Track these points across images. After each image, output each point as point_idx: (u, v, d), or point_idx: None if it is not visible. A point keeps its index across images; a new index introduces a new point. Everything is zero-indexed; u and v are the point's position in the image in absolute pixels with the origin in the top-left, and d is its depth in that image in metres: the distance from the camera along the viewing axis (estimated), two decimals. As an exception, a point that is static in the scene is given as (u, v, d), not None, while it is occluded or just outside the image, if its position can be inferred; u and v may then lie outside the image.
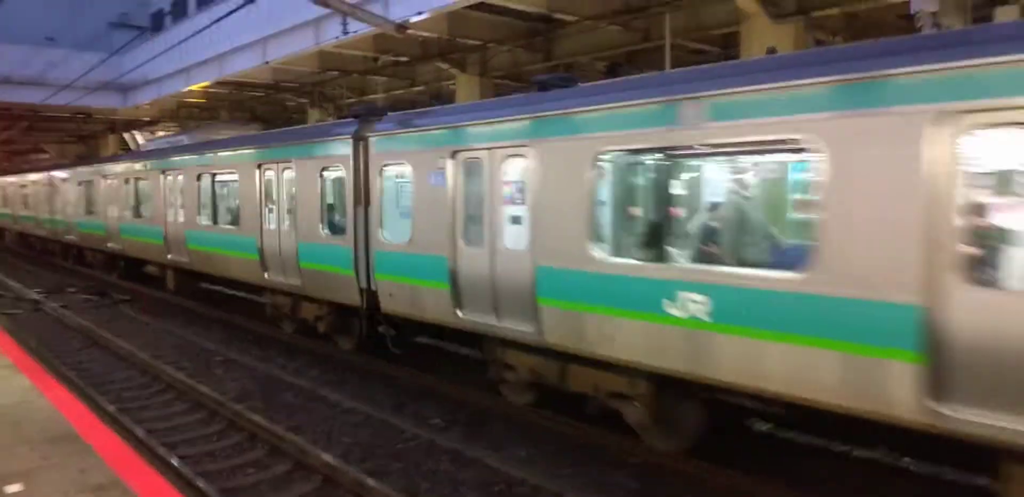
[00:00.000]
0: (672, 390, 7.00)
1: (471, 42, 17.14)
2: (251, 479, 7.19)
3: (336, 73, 21.87)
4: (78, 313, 16.14)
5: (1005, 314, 4.52)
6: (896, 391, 4.97)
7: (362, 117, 10.66)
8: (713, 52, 16.49)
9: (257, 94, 26.85)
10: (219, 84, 24.78)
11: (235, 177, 13.49)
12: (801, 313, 5.44)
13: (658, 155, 7.34)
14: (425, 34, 16.50)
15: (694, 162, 7.31)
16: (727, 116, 5.90)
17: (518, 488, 6.83)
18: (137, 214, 18.10)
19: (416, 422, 8.68)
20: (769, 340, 5.63)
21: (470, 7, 14.69)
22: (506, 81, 20.03)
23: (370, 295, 10.22)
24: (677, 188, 7.24)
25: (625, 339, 6.78)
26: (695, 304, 6.08)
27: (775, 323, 5.61)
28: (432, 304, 9.06)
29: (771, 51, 8.27)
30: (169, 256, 16.35)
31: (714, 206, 7.29)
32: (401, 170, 9.70)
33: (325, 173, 10.94)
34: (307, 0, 11.92)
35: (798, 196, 6.58)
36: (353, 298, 10.50)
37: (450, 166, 8.63)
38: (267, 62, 20.34)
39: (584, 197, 7.07)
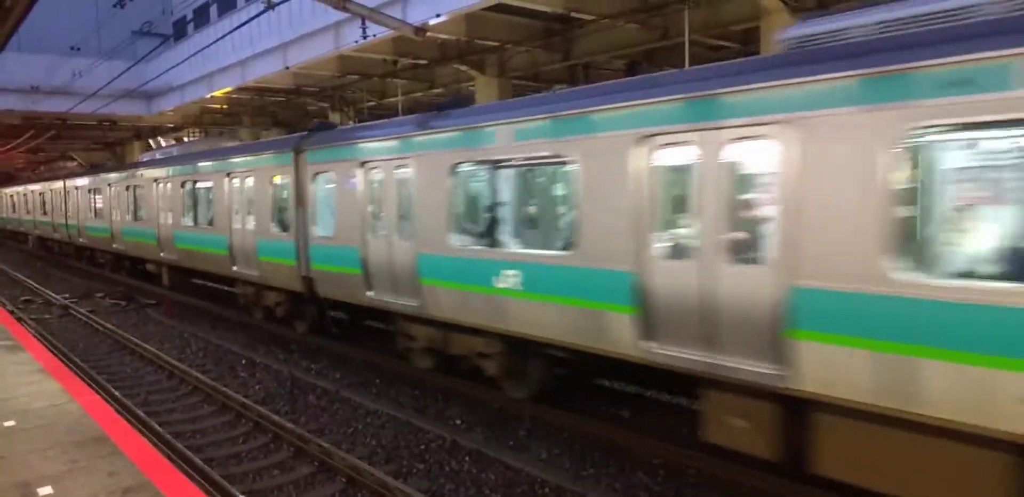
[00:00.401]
0: (518, 348, 8.79)
1: (489, 43, 17.17)
2: (276, 481, 7.26)
3: (356, 77, 22.01)
4: (106, 318, 16.40)
5: (680, 278, 6.45)
6: (622, 334, 6.95)
7: (311, 131, 12.57)
8: (733, 48, 16.38)
9: (278, 99, 27.09)
10: (241, 90, 25.04)
11: (211, 185, 15.32)
12: (568, 280, 7.53)
13: (488, 166, 8.76)
14: (443, 36, 16.56)
15: (509, 172, 8.70)
16: (524, 137, 7.95)
17: (540, 489, 6.83)
18: (136, 217, 19.90)
19: (439, 423, 8.71)
20: (552, 301, 7.74)
21: (488, 8, 14.71)
22: (525, 81, 20.05)
23: (309, 282, 12.03)
24: (499, 192, 8.77)
25: (474, 308, 8.72)
26: (511, 278, 8.15)
27: (555, 288, 7.70)
28: (351, 287, 10.93)
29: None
30: (162, 254, 18.28)
31: (521, 205, 8.98)
32: (328, 177, 11.49)
33: (275, 180, 12.87)
34: (326, 5, 12.02)
35: (567, 197, 8.15)
36: (297, 285, 12.35)
37: (359, 174, 10.58)
38: (288, 67, 20.52)
39: (445, 198, 9.03)
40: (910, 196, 5.27)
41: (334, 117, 25.67)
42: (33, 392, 7.50)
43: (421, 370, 10.56)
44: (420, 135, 9.41)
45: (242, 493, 6.70)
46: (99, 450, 5.79)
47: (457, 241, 8.92)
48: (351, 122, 24.17)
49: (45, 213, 31.02)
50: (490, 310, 8.46)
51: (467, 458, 7.62)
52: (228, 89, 24.80)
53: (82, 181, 25.30)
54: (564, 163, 7.58)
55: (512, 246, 8.58)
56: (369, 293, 10.49)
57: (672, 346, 6.56)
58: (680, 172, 6.53)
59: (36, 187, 33.18)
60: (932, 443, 5.10)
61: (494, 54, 18.29)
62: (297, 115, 30.44)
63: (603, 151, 7.05)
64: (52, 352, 10.35)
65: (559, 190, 8.50)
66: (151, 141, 36.80)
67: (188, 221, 16.54)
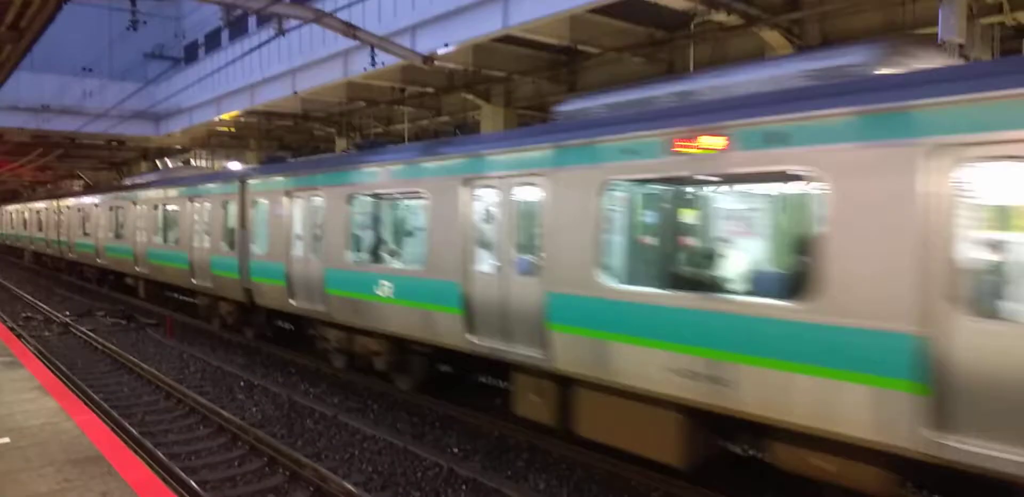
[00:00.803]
0: (402, 348, 10.65)
1: (496, 73, 17.37)
2: (271, 505, 7.18)
3: (363, 103, 22.23)
4: (106, 337, 16.35)
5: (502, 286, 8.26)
6: (453, 329, 8.81)
7: (262, 164, 15.13)
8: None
9: (286, 123, 27.32)
10: (249, 113, 25.27)
11: (177, 208, 17.71)
12: (422, 289, 9.41)
13: (374, 197, 11.21)
14: (451, 65, 16.76)
15: (385, 202, 11.46)
16: (397, 176, 10.03)
17: (538, 519, 6.75)
18: (117, 236, 22.23)
19: (436, 451, 8.63)
20: (411, 306, 9.62)
21: (496, 40, 14.93)
22: (530, 111, 20.24)
23: (249, 292, 14.00)
24: (379, 217, 11.48)
25: (364, 312, 10.55)
26: (386, 287, 10.03)
27: (413, 295, 9.60)
28: (279, 297, 12.87)
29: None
30: (137, 269, 20.49)
31: (391, 229, 11.68)
32: (264, 204, 13.49)
33: (226, 205, 14.97)
34: (337, 33, 12.22)
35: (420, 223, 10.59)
36: (240, 295, 14.43)
37: (285, 202, 12.68)
38: (296, 92, 20.74)
39: (343, 223, 11.08)
40: (608, 227, 7.35)
41: (340, 142, 25.86)
42: (29, 409, 7.45)
43: (422, 397, 10.52)
44: (328, 171, 11.64)
45: (235, 517, 6.62)
46: (94, 470, 5.74)
47: (351, 258, 11.03)
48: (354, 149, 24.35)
49: (40, 230, 33.46)
50: (374, 314, 10.35)
51: (464, 487, 7.54)
52: (236, 112, 25.02)
53: (72, 202, 27.75)
54: (420, 198, 9.68)
55: (387, 262, 11.03)
56: (292, 301, 12.50)
57: (486, 338, 8.46)
58: (486, 207, 8.78)
59: (33, 206, 35.70)
60: (637, 406, 7.10)
61: (500, 84, 18.51)
62: (304, 139, 30.67)
63: (441, 189, 9.07)
64: (50, 370, 10.29)
65: (416, 218, 11.33)
66: (158, 162, 37.05)
67: (159, 239, 18.77)
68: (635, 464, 7.64)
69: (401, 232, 11.84)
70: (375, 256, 11.23)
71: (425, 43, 15.26)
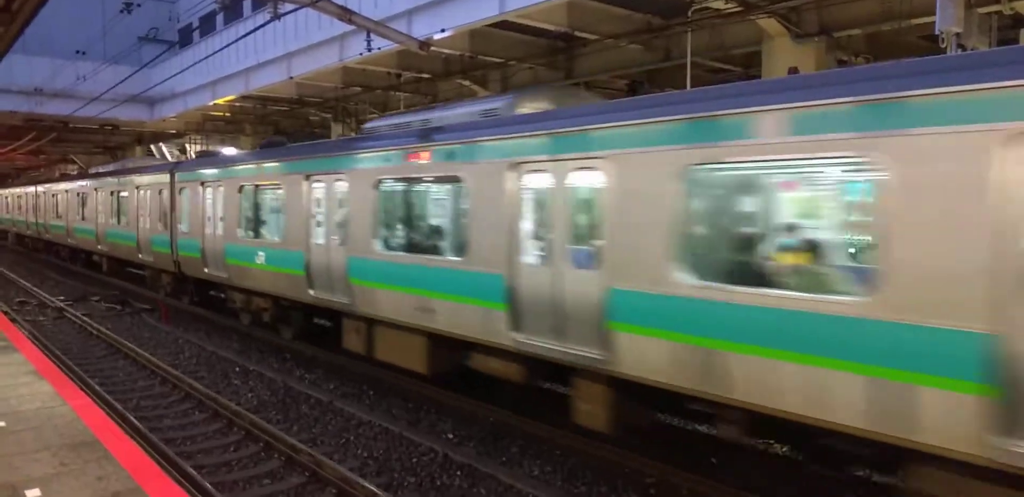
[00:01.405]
0: (282, 305, 13.42)
1: (492, 59, 17.27)
2: (266, 490, 7.23)
3: (359, 89, 22.10)
4: (101, 321, 16.34)
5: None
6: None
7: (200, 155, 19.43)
8: (735, 71, 16.52)
9: (281, 108, 27.16)
10: (244, 98, 25.10)
11: (127, 194, 20.84)
12: (288, 258, 12.09)
13: (252, 186, 13.77)
14: (447, 51, 16.67)
15: (250, 191, 13.98)
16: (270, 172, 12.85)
17: (532, 505, 6.80)
18: (83, 218, 25.37)
19: (431, 436, 8.68)
20: (279, 271, 12.43)
21: (492, 25, 14.83)
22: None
23: (178, 264, 17.04)
24: (262, 203, 13.95)
25: (251, 276, 13.56)
26: (260, 257, 12.87)
27: (289, 264, 12.14)
28: (197, 266, 15.84)
29: (793, 71, 8.28)
30: (99, 247, 23.60)
31: (257, 209, 14.06)
32: (187, 191, 16.43)
33: (161, 192, 17.99)
34: (332, 17, 12.12)
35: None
36: (171, 267, 17.46)
37: (201, 189, 15.54)
38: (292, 77, 20.59)
39: (236, 207, 14.04)
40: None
41: (336, 128, 25.73)
42: (24, 394, 7.46)
43: (413, 383, 10.57)
44: (226, 166, 14.66)
45: (231, 502, 6.66)
46: (89, 454, 5.76)
47: (241, 234, 13.86)
48: (352, 133, 24.27)
49: (22, 213, 36.83)
50: (259, 277, 13.30)
51: (459, 472, 7.59)
52: (231, 97, 24.85)
53: (47, 188, 31.35)
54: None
55: (263, 236, 13.57)
56: (206, 269, 15.40)
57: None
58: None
59: (15, 191, 39.17)
60: (403, 334, 9.88)
61: (497, 70, 18.41)
62: (299, 124, 30.51)
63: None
64: (45, 354, 10.29)
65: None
66: (152, 147, 36.83)
67: (114, 221, 21.85)
68: (630, 451, 7.70)
69: (263, 212, 14.19)
70: (256, 232, 13.88)
71: (421, 28, 15.15)
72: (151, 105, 29.88)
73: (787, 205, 7.18)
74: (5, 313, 15.53)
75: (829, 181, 6.92)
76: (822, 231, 6.86)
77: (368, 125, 11.67)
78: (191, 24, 32.66)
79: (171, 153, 35.98)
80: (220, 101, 25.55)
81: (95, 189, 23.77)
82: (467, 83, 19.06)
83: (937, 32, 8.81)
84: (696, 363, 6.06)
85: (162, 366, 11.82)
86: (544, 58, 17.12)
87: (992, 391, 4.44)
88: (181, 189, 16.65)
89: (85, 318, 16.46)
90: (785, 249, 6.55)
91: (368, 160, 10.26)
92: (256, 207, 14.00)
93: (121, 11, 16.83)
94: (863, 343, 5.05)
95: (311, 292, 11.46)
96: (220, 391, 10.69)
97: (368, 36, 13.03)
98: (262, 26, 13.14)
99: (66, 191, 27.56)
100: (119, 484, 5.15)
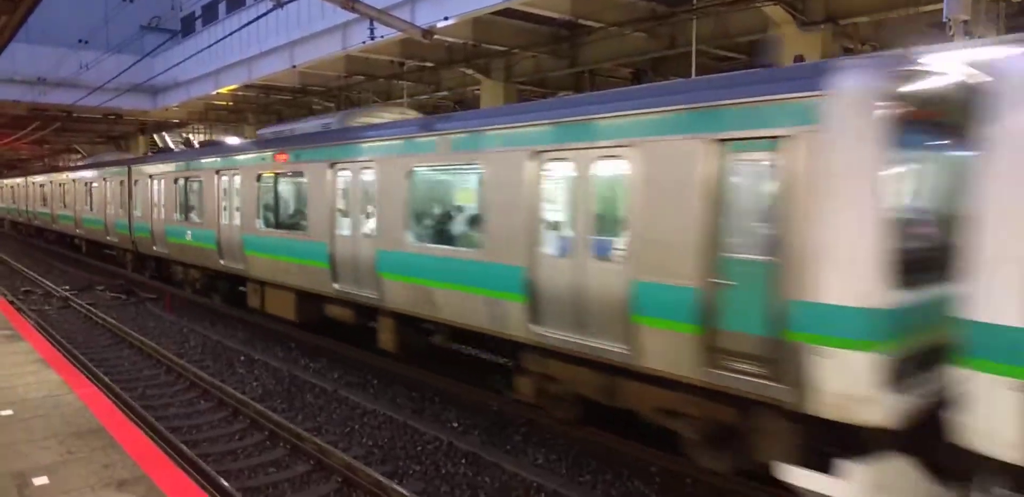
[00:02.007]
0: (213, 276, 15.99)
1: (496, 48, 17.21)
2: (272, 478, 7.26)
3: (362, 77, 22.05)
4: (106, 311, 16.40)
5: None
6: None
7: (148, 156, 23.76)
8: (740, 59, 16.42)
9: (284, 97, 27.13)
10: (247, 87, 25.08)
11: (97, 185, 23.68)
12: (205, 236, 15.07)
13: (190, 179, 16.18)
14: (451, 40, 16.61)
15: (182, 182, 16.76)
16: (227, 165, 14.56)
17: (536, 494, 6.84)
18: (64, 206, 28.15)
19: (436, 425, 8.71)
20: (200, 247, 15.41)
21: (496, 13, 14.76)
22: (530, 87, 20.08)
23: (135, 243, 20.09)
24: (191, 193, 16.48)
25: (189, 253, 16.32)
26: (189, 235, 15.93)
27: (205, 241, 15.01)
28: (148, 245, 18.87)
29: (798, 59, 8.22)
30: (78, 231, 26.72)
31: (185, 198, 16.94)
32: (140, 183, 19.48)
33: (122, 184, 20.88)
34: (335, 5, 12.07)
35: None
36: (130, 246, 20.60)
37: (152, 182, 18.48)
38: (294, 66, 20.55)
39: (174, 196, 17.09)
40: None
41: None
42: (31, 382, 7.50)
43: (417, 372, 10.60)
44: (164, 163, 18.11)
45: (237, 490, 6.70)
46: (95, 442, 5.79)
47: (176, 218, 16.91)
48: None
49: (14, 202, 40.54)
50: (189, 252, 16.35)
51: (463, 461, 7.63)
52: (234, 86, 24.84)
53: (36, 179, 34.15)
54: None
55: (190, 219, 16.16)
56: (155, 248, 18.47)
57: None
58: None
59: (8, 182, 43.01)
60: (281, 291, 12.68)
61: (501, 58, 18.33)
62: (302, 114, 30.43)
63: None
64: (51, 343, 10.34)
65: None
66: (155, 136, 36.82)
67: (88, 208, 24.81)
68: (633, 439, 7.72)
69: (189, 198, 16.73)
70: (185, 216, 16.55)
71: (424, 16, 15.08)
72: (154, 94, 29.86)
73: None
74: (11, 302, 15.58)
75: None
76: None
77: (263, 131, 14.86)
78: (193, 13, 32.55)
79: (175, 143, 35.99)
80: (223, 90, 25.54)
81: (73, 181, 26.83)
82: (470, 72, 19.00)
83: (945, 20, 8.74)
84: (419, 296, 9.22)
85: (167, 355, 11.86)
86: (548, 46, 17.05)
87: (525, 299, 7.62)
88: (136, 181, 19.82)
89: (90, 307, 16.52)
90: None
91: (249, 160, 13.57)
92: (186, 196, 16.63)
93: (123, 0, 16.78)
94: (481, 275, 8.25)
95: (221, 261, 14.61)
96: (225, 380, 10.73)
97: (371, 24, 12.99)
98: (264, 14, 13.10)
99: (51, 182, 30.53)
100: (126, 472, 5.18)
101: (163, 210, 17.66)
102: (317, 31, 19.12)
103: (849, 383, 5.14)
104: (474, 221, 9.06)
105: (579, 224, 7.19)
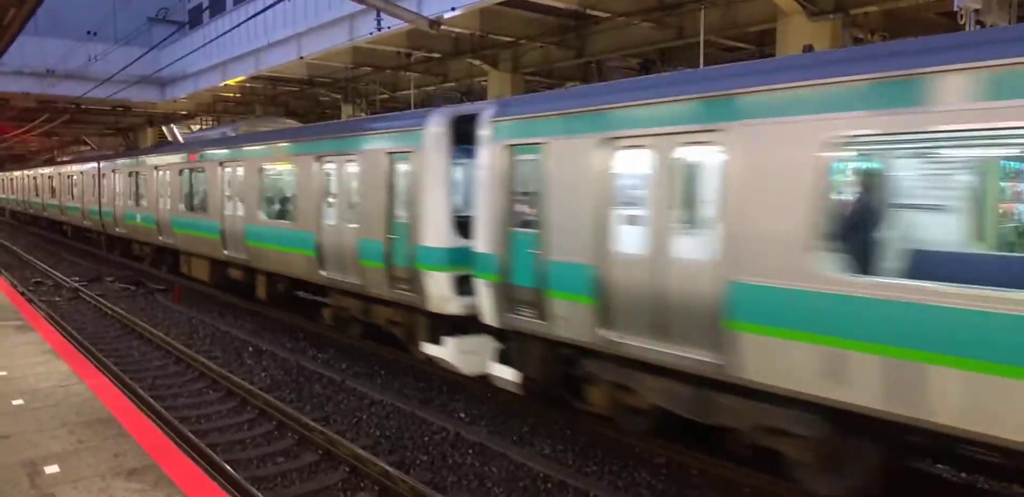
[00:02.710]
0: (167, 254, 19.67)
1: (503, 38, 17.12)
2: (281, 468, 7.31)
3: (369, 69, 21.99)
4: (115, 302, 16.50)
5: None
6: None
7: (117, 153, 27.65)
8: (748, 50, 16.31)
9: (291, 89, 27.09)
10: (254, 79, 25.05)
11: (76, 178, 28.15)
12: (148, 218, 19.70)
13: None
14: (458, 30, 16.54)
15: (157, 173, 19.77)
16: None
17: (543, 484, 6.86)
18: (52, 195, 32.63)
19: (443, 416, 8.74)
20: (148, 227, 19.78)
21: (503, 3, 14.69)
22: (538, 77, 20.00)
23: (103, 225, 24.46)
24: (141, 184, 20.89)
25: (139, 232, 20.86)
26: (137, 217, 20.75)
27: (149, 222, 19.55)
28: (113, 227, 23.02)
29: (807, 49, 8.14)
30: (62, 217, 31.21)
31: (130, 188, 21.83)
32: (109, 176, 23.50)
33: (94, 177, 25.32)
34: (342, -4, 12.03)
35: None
36: (100, 228, 25.04)
37: (112, 175, 22.95)
38: (301, 57, 20.51)
39: (130, 187, 21.24)
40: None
41: (346, 109, 25.68)
42: (41, 372, 7.56)
43: (423, 362, 10.63)
44: (122, 159, 22.55)
45: (246, 479, 6.75)
46: (106, 431, 5.83)
47: (132, 204, 20.84)
48: (362, 114, 24.20)
49: (13, 193, 45.20)
50: (142, 232, 20.38)
51: (470, 451, 7.66)
52: (241, 78, 24.80)
53: (30, 172, 39.18)
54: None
55: (140, 205, 20.50)
56: (117, 229, 22.67)
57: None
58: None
59: (6, 175, 48.52)
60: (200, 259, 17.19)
61: (508, 49, 18.25)
62: (310, 105, 30.45)
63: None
64: (61, 334, 10.40)
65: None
66: (164, 128, 36.87)
67: (70, 197, 29.20)
68: (639, 432, 7.72)
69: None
70: (136, 203, 20.97)
71: (431, 7, 15.01)
72: (162, 86, 29.87)
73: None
74: (22, 293, 15.70)
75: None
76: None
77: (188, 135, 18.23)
78: (201, 4, 32.59)
79: (183, 135, 36.05)
80: (230, 82, 25.50)
81: (58, 174, 31.75)
82: (477, 63, 18.93)
83: (956, 8, 8.64)
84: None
85: (176, 346, 11.93)
86: (555, 37, 16.95)
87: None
88: (104, 175, 24.24)
89: (100, 298, 16.62)
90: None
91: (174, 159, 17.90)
92: (138, 186, 20.63)
93: (131, -9, 16.81)
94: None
95: (160, 238, 18.75)
96: (234, 370, 10.78)
97: (378, 15, 12.97)
98: (272, 6, 13.12)
99: (41, 175, 35.49)
100: (136, 461, 5.22)
101: (123, 199, 22.04)
102: (324, 22, 19.06)
103: (440, 290, 8.93)
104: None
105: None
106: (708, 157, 6.16)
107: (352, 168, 10.77)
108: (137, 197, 20.70)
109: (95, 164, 25.44)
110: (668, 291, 6.31)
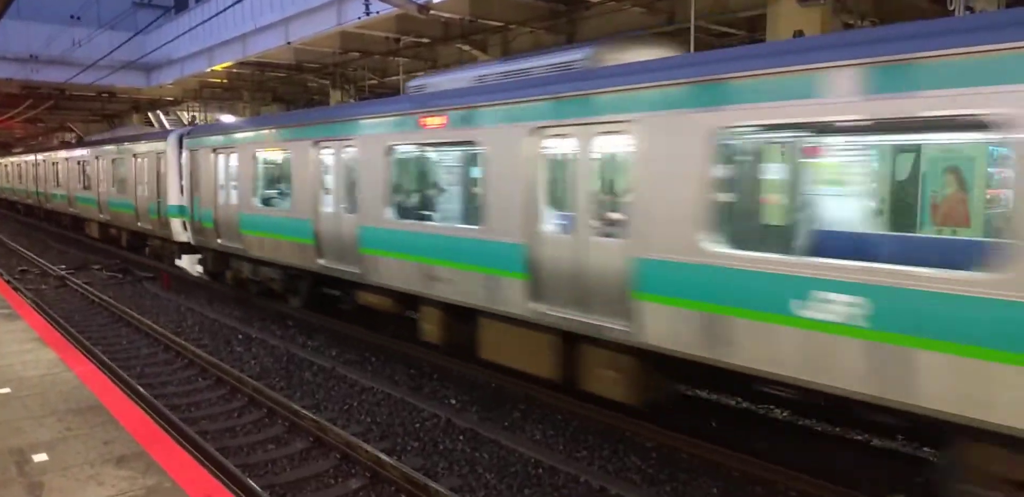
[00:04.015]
0: (145, 238, 20.10)
1: (493, 23, 16.98)
2: (271, 455, 7.30)
3: (358, 54, 21.79)
4: (102, 290, 16.39)
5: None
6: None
7: (79, 143, 29.73)
8: (739, 35, 16.25)
9: (279, 75, 26.81)
10: (241, 65, 24.77)
11: (64, 166, 27.68)
12: (124, 204, 20.54)
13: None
14: (447, 15, 16.38)
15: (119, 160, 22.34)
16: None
17: (534, 469, 6.88)
18: (34, 182, 33.14)
19: (434, 402, 8.75)
20: (122, 212, 20.53)
21: (493, -13, 14.56)
22: (528, 63, 19.83)
23: (74, 208, 26.06)
24: (118, 173, 21.57)
25: (89, 212, 24.39)
26: (84, 202, 24.67)
27: (125, 208, 20.14)
28: (83, 210, 24.69)
29: (798, 34, 8.13)
30: (48, 205, 31.26)
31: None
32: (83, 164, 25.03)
33: (74, 165, 25.82)
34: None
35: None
36: (69, 210, 26.74)
37: (64, 164, 26.69)
38: (289, 42, 20.29)
39: (106, 174, 22.21)
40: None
41: (335, 95, 25.47)
42: (28, 360, 7.51)
43: (416, 349, 10.62)
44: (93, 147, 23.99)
45: (236, 466, 6.74)
46: (94, 419, 5.81)
47: (114, 191, 20.99)
48: (351, 100, 24.02)
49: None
50: (120, 217, 20.73)
51: (461, 437, 7.67)
52: (228, 63, 24.51)
53: (11, 161, 40.41)
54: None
55: (110, 191, 21.76)
56: (71, 210, 25.90)
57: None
58: None
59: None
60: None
61: (498, 34, 18.11)
62: (298, 91, 30.16)
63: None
64: (48, 322, 10.33)
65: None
66: (150, 114, 36.51)
67: (54, 186, 29.37)
68: (631, 416, 7.76)
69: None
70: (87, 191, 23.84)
71: (421, -9, 14.84)
72: (147, 72, 29.51)
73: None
74: (7, 282, 15.57)
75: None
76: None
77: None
78: (186, -12, 32.10)
79: (170, 121, 35.74)
80: (217, 68, 25.20)
81: (35, 161, 32.66)
82: (467, 48, 18.78)
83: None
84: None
85: (165, 334, 11.87)
86: (545, 21, 16.83)
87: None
88: (54, 163, 27.24)
89: (87, 286, 16.51)
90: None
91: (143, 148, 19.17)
92: (114, 175, 21.33)
93: (114, -26, 16.56)
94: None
95: (101, 215, 22.19)
96: (223, 358, 10.75)
97: (367, 0, 12.81)
98: (258, -11, 12.88)
99: (25, 162, 36.15)
100: (125, 448, 5.20)
101: (101, 185, 23.18)
102: (312, 7, 18.84)
103: (180, 230, 15.87)
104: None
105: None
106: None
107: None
108: (120, 185, 20.94)
109: (72, 152, 26.43)
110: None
